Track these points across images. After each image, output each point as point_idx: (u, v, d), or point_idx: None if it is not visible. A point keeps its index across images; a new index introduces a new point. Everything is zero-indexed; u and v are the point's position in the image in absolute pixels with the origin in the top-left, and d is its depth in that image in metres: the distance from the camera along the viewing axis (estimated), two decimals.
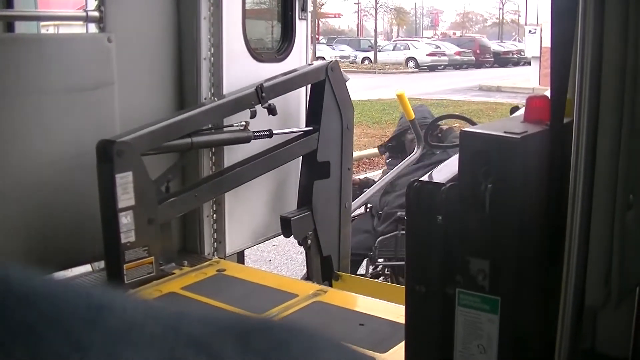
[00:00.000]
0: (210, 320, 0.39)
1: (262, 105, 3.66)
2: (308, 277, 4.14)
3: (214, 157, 3.85)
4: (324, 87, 3.97)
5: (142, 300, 0.39)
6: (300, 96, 4.19)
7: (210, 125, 3.68)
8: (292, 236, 3.96)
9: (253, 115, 3.64)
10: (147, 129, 3.21)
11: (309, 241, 4.03)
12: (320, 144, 4.00)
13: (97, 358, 0.34)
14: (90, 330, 0.35)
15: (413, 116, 5.20)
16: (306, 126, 4.09)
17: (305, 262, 4.26)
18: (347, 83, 4.19)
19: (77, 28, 3.81)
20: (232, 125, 3.73)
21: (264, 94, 3.66)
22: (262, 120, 3.74)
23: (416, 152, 5.18)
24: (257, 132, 3.77)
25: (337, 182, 4.13)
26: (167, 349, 0.36)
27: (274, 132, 3.87)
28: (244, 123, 3.71)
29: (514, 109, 3.13)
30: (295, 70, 4.03)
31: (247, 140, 3.74)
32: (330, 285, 4.05)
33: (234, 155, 3.86)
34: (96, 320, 0.35)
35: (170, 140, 3.35)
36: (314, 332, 0.40)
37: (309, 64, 4.18)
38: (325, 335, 0.41)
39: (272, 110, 3.76)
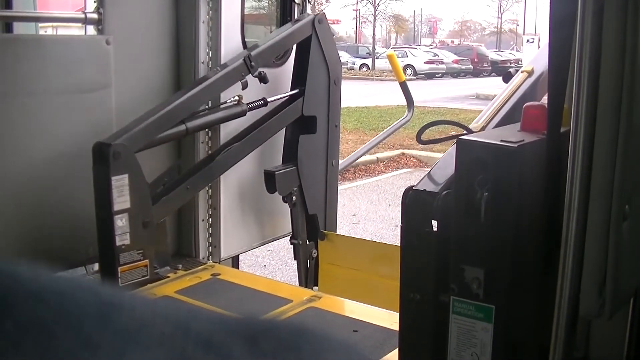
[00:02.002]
0: (219, 320, 0.39)
1: (252, 75, 3.60)
2: (293, 235, 4.04)
3: (210, 152, 3.85)
4: (311, 42, 3.88)
5: (151, 300, 0.39)
6: (289, 64, 4.09)
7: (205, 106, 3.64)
8: (277, 191, 3.84)
9: (244, 86, 3.58)
10: (141, 124, 3.17)
11: (294, 198, 3.92)
12: (306, 98, 3.88)
13: (107, 356, 0.34)
14: (100, 328, 0.35)
15: (404, 78, 5.10)
16: (292, 89, 3.95)
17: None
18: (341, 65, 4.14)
19: (76, 30, 3.81)
20: (226, 102, 3.66)
21: (252, 63, 3.57)
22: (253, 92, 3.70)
23: (406, 116, 5.09)
24: (251, 103, 3.70)
25: (324, 139, 4.04)
26: (177, 349, 0.36)
27: (268, 99, 3.79)
28: (237, 97, 3.64)
29: (507, 75, 3.07)
30: (280, 31, 3.92)
31: (242, 114, 3.67)
32: (316, 245, 4.03)
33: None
34: (106, 319, 0.35)
35: (164, 131, 3.31)
36: (322, 333, 0.40)
37: (295, 20, 4.00)
38: (333, 336, 0.41)
39: (263, 79, 3.68)
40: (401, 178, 11.12)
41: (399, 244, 2.14)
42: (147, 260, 3.22)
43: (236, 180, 3.94)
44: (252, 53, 3.59)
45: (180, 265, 3.65)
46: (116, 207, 3.04)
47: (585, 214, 1.73)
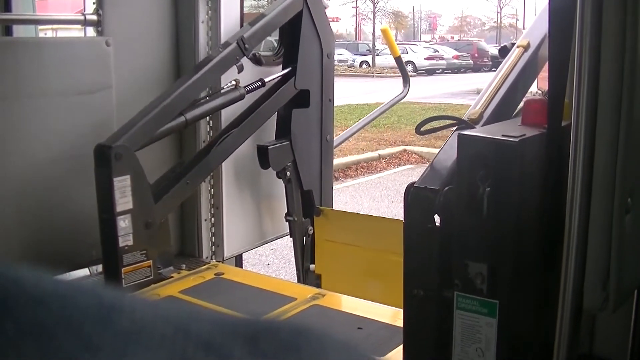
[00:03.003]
0: (219, 321, 0.39)
1: (247, 57, 3.57)
2: (288, 212, 3.99)
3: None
4: (302, 16, 3.81)
5: (151, 302, 0.39)
6: None
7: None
8: (270, 167, 3.79)
9: (240, 69, 3.54)
10: (140, 122, 3.15)
11: (288, 173, 3.87)
12: (298, 71, 3.82)
13: (107, 358, 0.34)
14: (101, 331, 0.35)
15: (398, 53, 5.05)
16: (285, 67, 3.88)
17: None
18: (337, 55, 4.09)
19: (75, 32, 3.81)
20: (223, 88, 3.61)
21: (246, 45, 3.52)
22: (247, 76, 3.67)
23: (403, 91, 5.05)
24: (249, 85, 3.66)
25: (318, 113, 4.00)
26: (178, 350, 0.36)
27: (265, 80, 3.74)
28: (233, 82, 3.60)
29: (503, 49, 3.02)
30: (271, 9, 3.82)
31: (241, 97, 3.63)
32: (312, 221, 3.99)
33: None
34: (107, 321, 0.35)
35: (163, 126, 3.28)
36: (323, 333, 0.40)
37: None
38: (334, 336, 0.41)
39: (258, 60, 3.66)
40: (403, 175, 11.12)
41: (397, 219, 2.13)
42: (150, 261, 3.22)
43: (238, 179, 3.94)
44: (245, 35, 3.54)
45: (184, 265, 3.66)
46: (119, 209, 3.04)
47: (587, 208, 1.73)
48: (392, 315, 2.95)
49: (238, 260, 4.19)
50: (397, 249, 3.33)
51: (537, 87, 2.97)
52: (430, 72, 37.16)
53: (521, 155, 1.88)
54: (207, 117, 3.77)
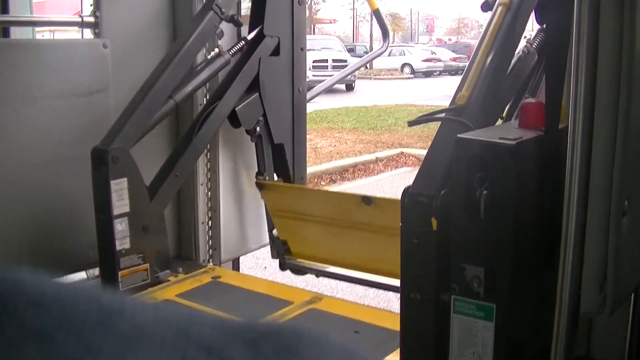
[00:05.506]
0: (220, 324, 0.39)
1: (226, 21, 3.45)
2: (258, 171, 3.76)
3: (209, 163, 3.84)
4: None
5: (152, 305, 0.39)
6: None
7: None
8: (241, 126, 3.62)
9: (221, 35, 3.46)
10: (131, 117, 3.12)
11: (258, 129, 3.66)
12: (266, 17, 3.60)
13: None
14: (101, 334, 0.35)
15: (376, 6, 4.75)
16: (254, 26, 3.64)
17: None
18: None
19: (73, 33, 3.81)
20: (206, 58, 3.52)
21: (222, 10, 3.40)
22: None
23: (383, 46, 4.85)
24: (232, 49, 3.56)
25: (289, 62, 3.75)
26: (179, 354, 0.36)
27: (247, 37, 3.60)
28: (216, 50, 3.50)
29: (485, 4, 2.82)
30: None
31: (227, 63, 3.53)
32: (284, 181, 3.82)
33: (229, 153, 3.83)
34: (108, 325, 0.36)
35: (154, 114, 3.24)
36: (322, 337, 0.40)
37: None
38: (333, 339, 0.41)
39: (237, 22, 3.53)
40: (401, 177, 11.10)
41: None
42: (147, 264, 3.21)
43: (235, 182, 3.93)
44: (219, 0, 3.40)
45: (181, 269, 3.64)
46: (116, 211, 3.03)
47: (584, 211, 1.73)
48: (390, 319, 2.95)
49: (235, 264, 4.18)
50: (350, 219, 3.28)
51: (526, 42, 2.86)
52: (427, 74, 37.16)
53: (518, 158, 1.88)
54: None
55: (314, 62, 23.32)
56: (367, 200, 3.17)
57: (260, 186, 3.73)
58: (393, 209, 3.17)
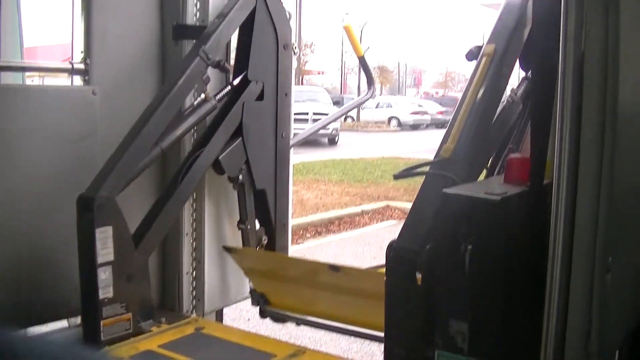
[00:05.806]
0: None
1: (212, 67, 3.45)
2: (240, 219, 3.71)
3: (194, 213, 3.82)
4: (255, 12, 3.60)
5: None
6: None
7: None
8: (225, 173, 3.58)
9: (207, 81, 3.45)
10: (117, 164, 3.11)
11: (241, 177, 3.63)
12: (251, 62, 3.60)
13: None
14: None
15: (362, 53, 4.76)
16: (239, 70, 3.63)
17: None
18: None
19: (63, 79, 3.82)
20: (193, 105, 3.50)
21: (209, 55, 3.40)
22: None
23: (368, 93, 4.84)
24: (218, 94, 3.55)
25: (273, 107, 3.74)
26: None
27: (234, 83, 3.60)
28: (202, 96, 3.49)
29: (469, 53, 2.85)
30: (223, 11, 3.58)
31: (213, 108, 3.52)
32: (267, 230, 3.79)
33: (214, 200, 3.81)
34: None
35: (141, 162, 3.22)
36: None
37: None
38: None
39: (223, 68, 3.52)
40: (386, 230, 11.09)
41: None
42: (130, 314, 3.17)
43: (220, 232, 3.91)
44: (205, 47, 3.40)
45: (164, 319, 3.59)
46: (100, 260, 3.00)
47: (568, 268, 1.73)
48: None
49: (219, 315, 4.13)
50: (321, 282, 3.31)
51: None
52: (414, 127, 37.46)
53: (503, 213, 1.89)
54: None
55: (294, 114, 23.43)
56: (334, 268, 3.21)
57: (228, 250, 3.74)
58: (360, 277, 3.25)
